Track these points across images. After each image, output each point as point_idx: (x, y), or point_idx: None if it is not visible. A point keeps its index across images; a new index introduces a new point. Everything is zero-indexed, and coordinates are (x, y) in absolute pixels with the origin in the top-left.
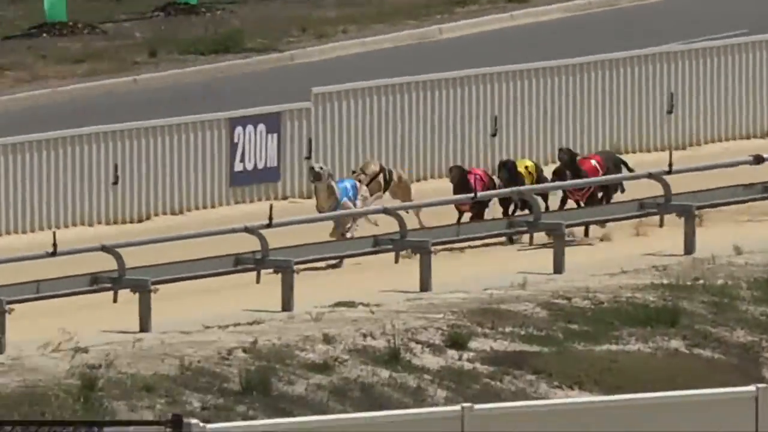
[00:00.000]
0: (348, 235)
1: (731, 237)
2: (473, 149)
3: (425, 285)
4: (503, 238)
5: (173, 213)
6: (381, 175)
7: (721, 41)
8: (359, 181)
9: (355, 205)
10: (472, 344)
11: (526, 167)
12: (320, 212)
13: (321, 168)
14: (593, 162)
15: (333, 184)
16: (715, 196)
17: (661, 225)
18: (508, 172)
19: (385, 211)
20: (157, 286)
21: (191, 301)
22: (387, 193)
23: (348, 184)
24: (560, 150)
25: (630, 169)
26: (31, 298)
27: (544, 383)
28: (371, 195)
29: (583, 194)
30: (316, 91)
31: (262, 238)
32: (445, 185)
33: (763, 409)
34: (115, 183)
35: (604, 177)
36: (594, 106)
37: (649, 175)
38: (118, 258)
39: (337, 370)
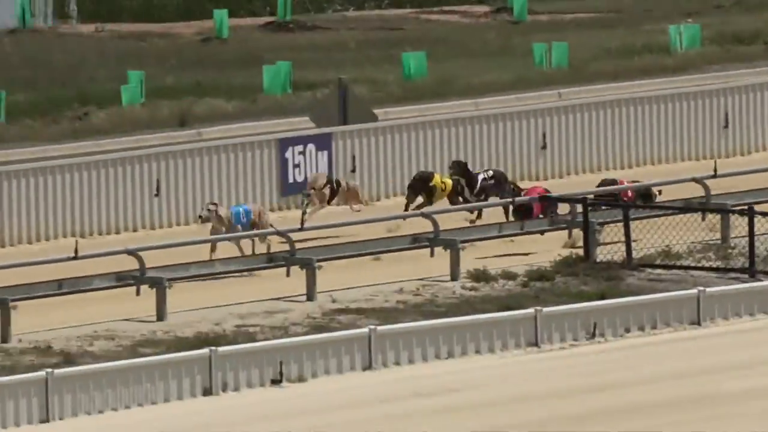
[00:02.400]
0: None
1: None
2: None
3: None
4: None
5: None
6: (327, 187)
7: None
8: (309, 194)
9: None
10: None
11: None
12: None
13: (209, 210)
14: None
15: (222, 217)
16: None
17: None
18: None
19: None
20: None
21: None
22: (339, 200)
23: (241, 209)
24: (454, 162)
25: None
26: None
27: None
28: (319, 204)
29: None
30: None
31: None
32: None
33: None
34: None
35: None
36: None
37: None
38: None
39: None
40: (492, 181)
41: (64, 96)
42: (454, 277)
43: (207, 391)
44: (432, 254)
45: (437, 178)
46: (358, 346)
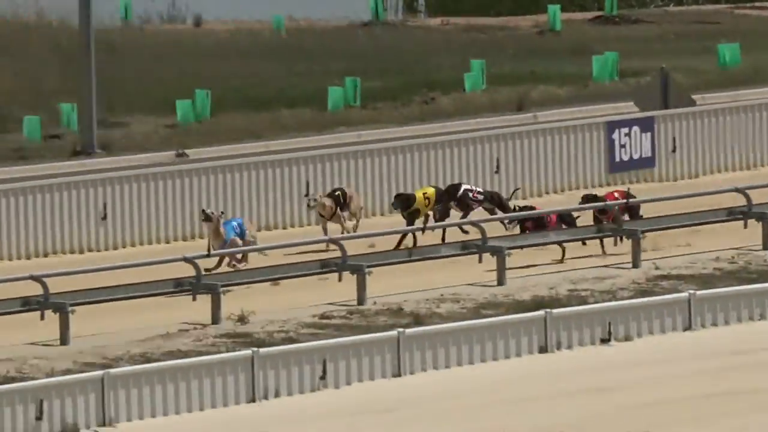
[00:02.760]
0: (240, 266)
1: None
2: None
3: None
4: None
5: None
6: (335, 196)
7: None
8: (314, 200)
9: (244, 242)
10: None
11: (425, 194)
12: (213, 249)
13: (212, 212)
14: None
15: (221, 225)
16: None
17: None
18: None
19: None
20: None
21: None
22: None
23: (235, 223)
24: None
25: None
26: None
27: None
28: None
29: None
30: None
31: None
32: None
33: None
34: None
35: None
36: None
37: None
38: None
39: None
40: None
41: (412, 82)
42: (766, 246)
43: (542, 349)
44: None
45: None
46: (678, 308)
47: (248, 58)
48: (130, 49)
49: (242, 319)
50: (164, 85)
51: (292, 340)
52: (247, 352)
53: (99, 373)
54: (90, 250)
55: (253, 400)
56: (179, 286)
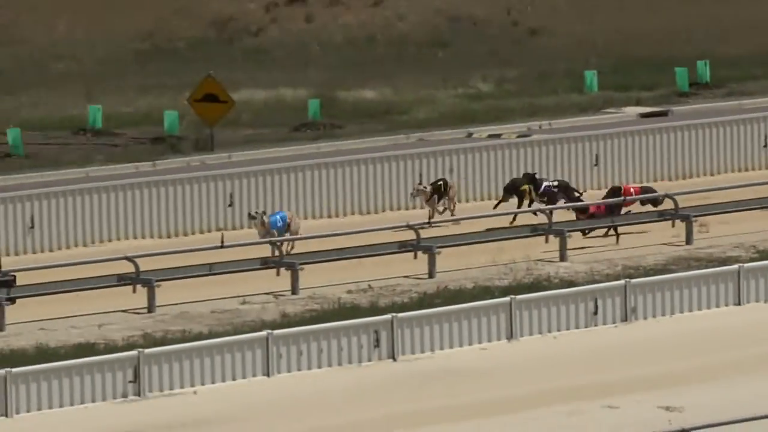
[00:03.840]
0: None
1: None
2: None
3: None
4: None
5: None
6: (435, 187)
7: None
8: (417, 190)
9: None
10: None
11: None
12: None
13: (256, 213)
14: None
15: (266, 220)
16: None
17: None
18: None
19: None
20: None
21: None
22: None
23: (278, 216)
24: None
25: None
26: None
27: None
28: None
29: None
30: None
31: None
32: None
33: None
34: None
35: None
36: None
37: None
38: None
39: None
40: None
41: None
42: None
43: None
44: None
45: None
46: None
47: None
48: None
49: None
50: None
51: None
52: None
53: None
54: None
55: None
56: (265, 264)
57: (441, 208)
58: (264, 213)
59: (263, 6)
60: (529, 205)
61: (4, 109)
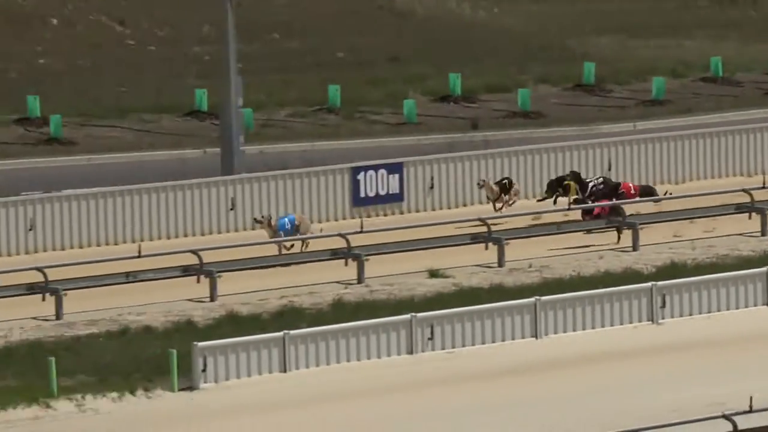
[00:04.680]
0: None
1: None
2: None
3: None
4: None
5: None
6: (502, 184)
7: None
8: (481, 184)
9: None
10: None
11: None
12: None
13: (262, 217)
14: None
15: (273, 223)
16: None
17: None
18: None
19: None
20: None
21: None
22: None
23: (287, 219)
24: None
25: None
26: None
27: None
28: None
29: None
30: None
31: None
32: None
33: None
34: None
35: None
36: None
37: None
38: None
39: None
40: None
41: None
42: None
43: None
44: None
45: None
46: None
47: None
48: None
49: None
50: None
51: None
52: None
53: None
54: None
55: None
56: (335, 255)
57: (499, 205)
58: (270, 217)
59: None
60: (570, 203)
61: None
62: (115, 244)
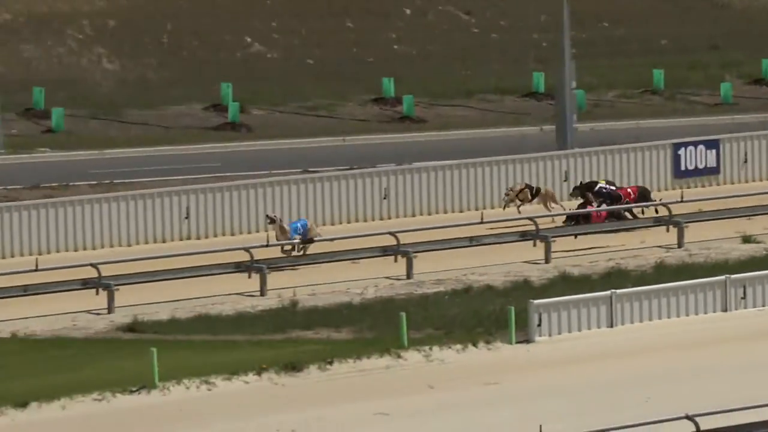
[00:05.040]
0: (294, 253)
1: None
2: None
3: None
4: None
5: None
6: (527, 190)
7: None
8: (508, 194)
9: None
10: None
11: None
12: (278, 240)
13: (274, 216)
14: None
15: (285, 225)
16: None
17: None
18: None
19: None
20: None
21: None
22: (539, 200)
23: (299, 224)
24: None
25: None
26: None
27: None
28: (522, 203)
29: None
30: None
31: None
32: None
33: None
34: None
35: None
36: None
37: None
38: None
39: None
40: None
41: None
42: None
43: None
44: None
45: None
46: None
47: None
48: None
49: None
50: None
51: None
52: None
53: None
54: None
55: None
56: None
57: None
58: (280, 219)
59: None
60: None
61: None
62: (460, 211)
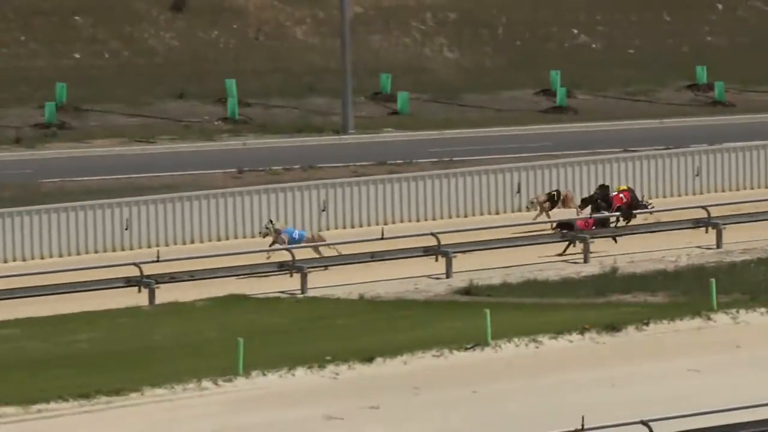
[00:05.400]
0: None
1: None
2: None
3: None
4: None
5: None
6: (550, 196)
7: None
8: (532, 202)
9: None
10: None
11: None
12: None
13: (267, 226)
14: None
15: (284, 237)
16: None
17: None
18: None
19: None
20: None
21: None
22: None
23: (297, 234)
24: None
25: None
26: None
27: None
28: (547, 211)
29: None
30: None
31: None
32: None
33: None
34: None
35: None
36: None
37: None
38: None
39: None
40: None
41: None
42: None
43: None
44: None
45: None
46: None
47: None
48: None
49: None
50: None
51: None
52: None
53: None
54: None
55: None
56: (427, 252)
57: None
58: (275, 226)
59: None
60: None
61: None
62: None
